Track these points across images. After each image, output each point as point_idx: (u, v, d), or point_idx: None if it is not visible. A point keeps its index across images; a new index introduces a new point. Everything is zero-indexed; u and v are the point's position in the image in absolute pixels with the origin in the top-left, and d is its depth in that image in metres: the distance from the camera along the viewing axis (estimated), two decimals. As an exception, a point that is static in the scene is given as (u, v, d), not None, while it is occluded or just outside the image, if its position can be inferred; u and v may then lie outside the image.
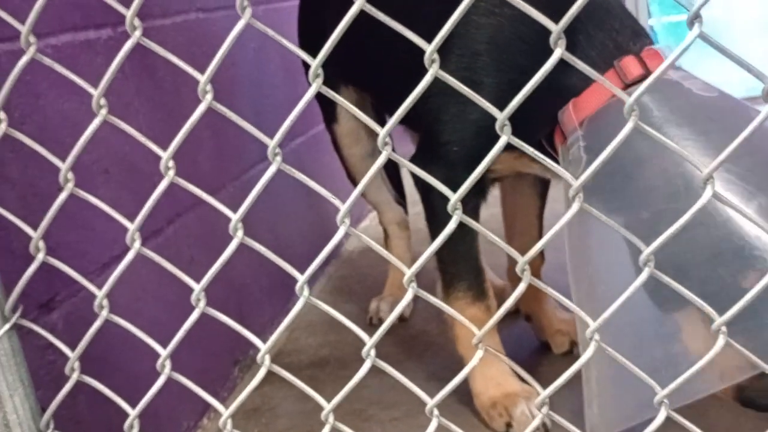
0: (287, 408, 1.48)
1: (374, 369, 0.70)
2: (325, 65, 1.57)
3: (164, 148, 0.68)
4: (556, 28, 0.58)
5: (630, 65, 1.10)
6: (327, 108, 1.77)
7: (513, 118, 0.61)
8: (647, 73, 1.07)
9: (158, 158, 0.68)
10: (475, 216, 1.29)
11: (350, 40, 1.52)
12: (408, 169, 0.66)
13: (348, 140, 1.74)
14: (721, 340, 0.62)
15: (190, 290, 0.71)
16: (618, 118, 0.61)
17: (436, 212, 1.30)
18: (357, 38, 1.41)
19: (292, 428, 1.41)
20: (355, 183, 1.79)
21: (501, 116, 0.61)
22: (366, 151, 1.77)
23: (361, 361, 0.68)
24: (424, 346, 1.65)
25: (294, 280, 0.67)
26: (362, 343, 0.68)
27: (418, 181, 1.35)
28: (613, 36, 1.15)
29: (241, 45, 1.82)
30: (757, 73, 0.60)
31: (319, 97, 2.01)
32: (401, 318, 1.79)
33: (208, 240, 1.50)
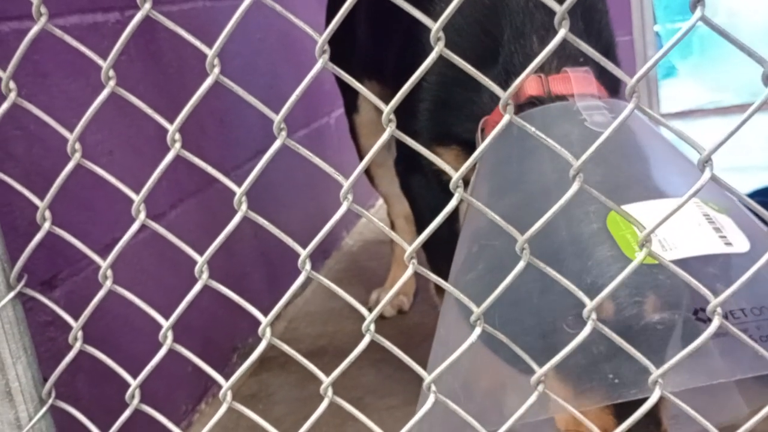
0: (284, 395, 1.50)
1: (372, 360, 0.69)
2: (352, 60, 1.58)
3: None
4: (560, 9, 0.59)
5: (529, 84, 1.02)
6: (348, 97, 1.79)
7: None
8: (544, 95, 1.02)
9: (162, 141, 0.69)
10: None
11: (372, 36, 1.52)
12: (410, 145, 0.66)
13: (366, 131, 1.76)
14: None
15: (190, 276, 0.71)
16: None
17: (413, 193, 1.36)
18: (378, 35, 1.42)
19: (288, 414, 1.42)
20: (368, 173, 1.80)
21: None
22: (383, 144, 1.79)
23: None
24: (422, 337, 1.65)
25: (295, 270, 0.68)
26: (360, 335, 0.69)
27: (400, 173, 1.38)
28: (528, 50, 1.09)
29: (245, 35, 1.84)
30: (759, 58, 0.61)
31: (342, 86, 2.00)
32: (400, 311, 1.82)
33: (209, 227, 1.51)
